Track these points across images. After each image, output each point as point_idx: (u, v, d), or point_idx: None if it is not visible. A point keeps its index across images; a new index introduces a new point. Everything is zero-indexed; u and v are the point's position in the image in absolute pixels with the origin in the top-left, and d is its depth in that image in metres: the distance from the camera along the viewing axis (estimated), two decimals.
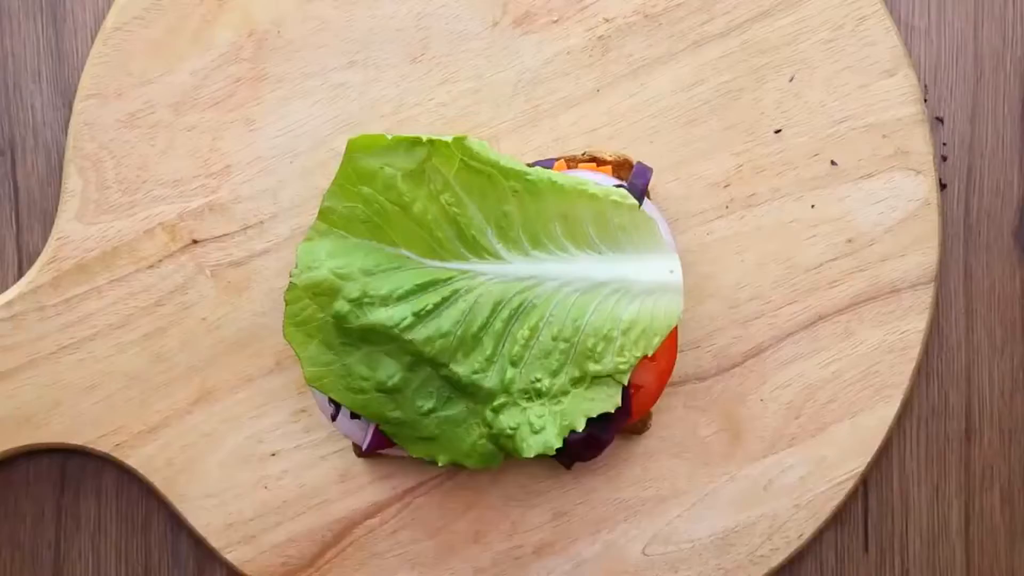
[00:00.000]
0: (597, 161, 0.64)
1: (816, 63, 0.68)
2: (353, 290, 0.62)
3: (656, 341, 0.63)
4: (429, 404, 0.63)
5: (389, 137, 0.61)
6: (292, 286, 0.64)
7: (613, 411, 0.63)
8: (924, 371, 0.71)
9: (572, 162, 0.65)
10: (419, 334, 0.62)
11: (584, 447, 0.64)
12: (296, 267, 0.64)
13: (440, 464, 0.65)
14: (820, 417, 0.68)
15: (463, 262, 0.62)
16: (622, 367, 0.62)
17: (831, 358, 0.68)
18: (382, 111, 0.68)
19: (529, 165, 0.63)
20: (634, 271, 0.63)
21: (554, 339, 0.63)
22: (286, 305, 0.64)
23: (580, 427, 0.63)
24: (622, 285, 0.63)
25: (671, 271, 0.63)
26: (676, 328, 0.65)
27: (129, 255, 0.67)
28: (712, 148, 0.68)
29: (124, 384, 0.68)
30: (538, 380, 0.63)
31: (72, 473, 0.70)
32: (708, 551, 0.68)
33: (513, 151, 0.67)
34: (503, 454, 0.64)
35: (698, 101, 0.68)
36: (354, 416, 0.64)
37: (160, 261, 0.68)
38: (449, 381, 0.63)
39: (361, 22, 0.67)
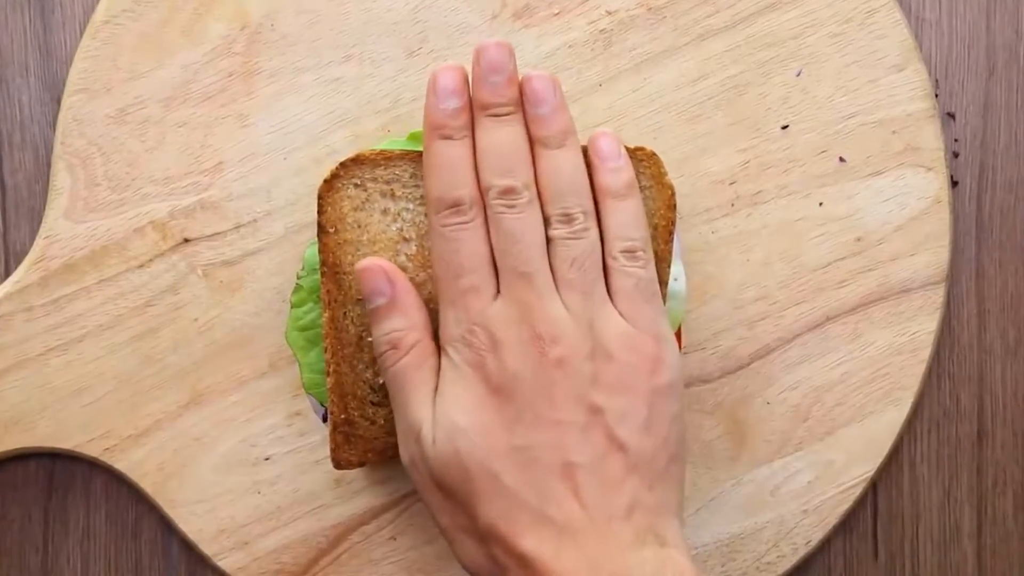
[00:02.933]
0: None
1: (824, 57, 0.67)
2: None
3: None
4: None
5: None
6: (298, 287, 0.63)
7: None
8: (935, 373, 0.70)
9: None
10: None
11: None
12: (303, 269, 0.63)
13: None
14: (828, 420, 0.68)
15: None
16: None
17: (839, 360, 0.68)
18: (378, 106, 0.67)
19: None
20: None
21: None
22: (291, 307, 0.63)
23: None
24: None
25: (675, 279, 0.63)
26: (680, 334, 0.65)
27: (119, 254, 0.67)
28: (717, 144, 0.67)
29: (114, 386, 0.67)
30: None
31: (61, 477, 0.69)
32: (713, 558, 0.68)
33: None
34: None
35: (703, 96, 0.67)
36: None
37: (151, 260, 0.67)
38: None
39: (356, 15, 0.67)
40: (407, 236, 0.61)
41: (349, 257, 0.61)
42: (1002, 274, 0.70)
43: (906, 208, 0.67)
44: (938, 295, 0.68)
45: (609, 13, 0.67)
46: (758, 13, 0.67)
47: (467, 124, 0.59)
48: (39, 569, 0.70)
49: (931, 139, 0.67)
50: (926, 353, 0.68)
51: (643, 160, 0.61)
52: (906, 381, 0.68)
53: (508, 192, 0.57)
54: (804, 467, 0.68)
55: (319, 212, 0.61)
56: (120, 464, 0.67)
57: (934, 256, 0.68)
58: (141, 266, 0.67)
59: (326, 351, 0.61)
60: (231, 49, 0.67)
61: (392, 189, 0.61)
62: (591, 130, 0.66)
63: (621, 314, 0.57)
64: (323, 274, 0.61)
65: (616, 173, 0.59)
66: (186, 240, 0.67)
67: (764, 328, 0.68)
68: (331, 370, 0.61)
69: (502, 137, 0.58)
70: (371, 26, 0.67)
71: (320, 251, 0.61)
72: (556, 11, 0.67)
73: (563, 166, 0.58)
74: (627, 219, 0.59)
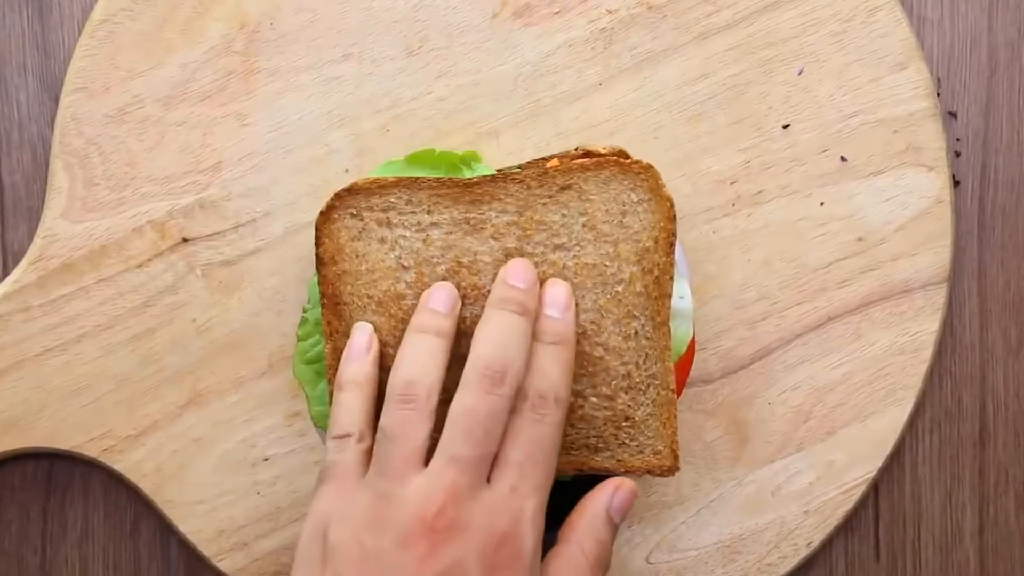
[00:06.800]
0: (591, 155, 0.62)
1: (825, 56, 0.67)
2: None
3: None
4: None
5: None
6: (304, 321, 0.63)
7: None
8: (937, 373, 0.70)
9: (565, 159, 0.63)
10: None
11: None
12: (308, 301, 0.63)
13: None
14: (829, 421, 0.67)
15: None
16: None
17: (841, 360, 0.67)
18: (378, 105, 0.66)
19: (522, 165, 0.62)
20: None
21: None
22: (297, 341, 0.63)
23: None
24: None
25: (680, 297, 0.62)
26: (693, 352, 0.64)
27: (117, 254, 0.66)
28: (718, 144, 0.67)
29: (112, 387, 0.67)
30: None
31: (59, 478, 0.69)
32: (714, 559, 0.67)
33: (513, 146, 0.66)
34: None
35: (704, 95, 0.67)
36: None
37: (149, 260, 0.67)
38: None
39: (356, 14, 0.66)
40: (405, 264, 0.61)
41: (349, 287, 0.61)
42: (1004, 273, 0.70)
43: (908, 207, 0.67)
44: (940, 295, 0.67)
45: (609, 12, 0.67)
46: (759, 12, 0.67)
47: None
48: (38, 570, 0.69)
49: (933, 138, 0.67)
50: (928, 353, 0.68)
51: (640, 173, 0.60)
52: (908, 381, 0.68)
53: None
54: (805, 467, 0.67)
55: (316, 244, 0.61)
56: (119, 465, 0.67)
57: (936, 256, 0.67)
58: (140, 266, 0.67)
59: (329, 382, 0.61)
60: (230, 48, 0.66)
61: (388, 217, 0.61)
62: (591, 130, 0.67)
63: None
64: (323, 305, 0.61)
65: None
66: (185, 240, 0.67)
67: (765, 328, 0.67)
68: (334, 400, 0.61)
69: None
70: (371, 25, 0.67)
71: (320, 283, 0.61)
72: (556, 10, 0.67)
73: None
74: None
